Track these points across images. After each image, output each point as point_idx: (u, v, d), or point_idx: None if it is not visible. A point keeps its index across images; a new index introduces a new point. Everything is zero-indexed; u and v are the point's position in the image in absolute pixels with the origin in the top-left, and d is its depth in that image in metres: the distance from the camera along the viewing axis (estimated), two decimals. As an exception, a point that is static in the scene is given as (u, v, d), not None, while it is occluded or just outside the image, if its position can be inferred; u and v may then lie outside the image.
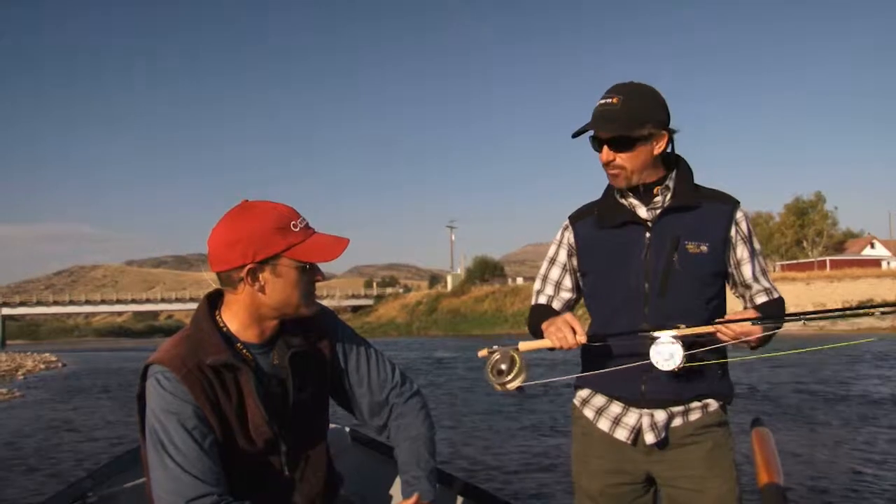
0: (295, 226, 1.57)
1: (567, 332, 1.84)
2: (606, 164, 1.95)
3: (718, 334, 1.83)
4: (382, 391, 1.78)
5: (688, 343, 1.80)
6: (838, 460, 7.32)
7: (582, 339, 1.84)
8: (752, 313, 1.84)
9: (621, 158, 1.92)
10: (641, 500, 2.04)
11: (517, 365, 1.82)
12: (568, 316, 1.90)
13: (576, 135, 1.95)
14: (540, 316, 2.04)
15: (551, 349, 1.89)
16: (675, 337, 1.80)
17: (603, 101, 1.91)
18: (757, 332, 1.80)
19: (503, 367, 1.83)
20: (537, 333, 2.00)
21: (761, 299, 2.01)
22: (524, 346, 1.89)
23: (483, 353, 1.90)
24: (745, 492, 1.96)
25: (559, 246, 2.15)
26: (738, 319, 1.82)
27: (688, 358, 1.79)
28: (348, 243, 1.61)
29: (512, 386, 1.82)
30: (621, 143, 1.91)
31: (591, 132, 1.94)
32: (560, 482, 6.62)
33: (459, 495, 2.33)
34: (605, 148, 1.93)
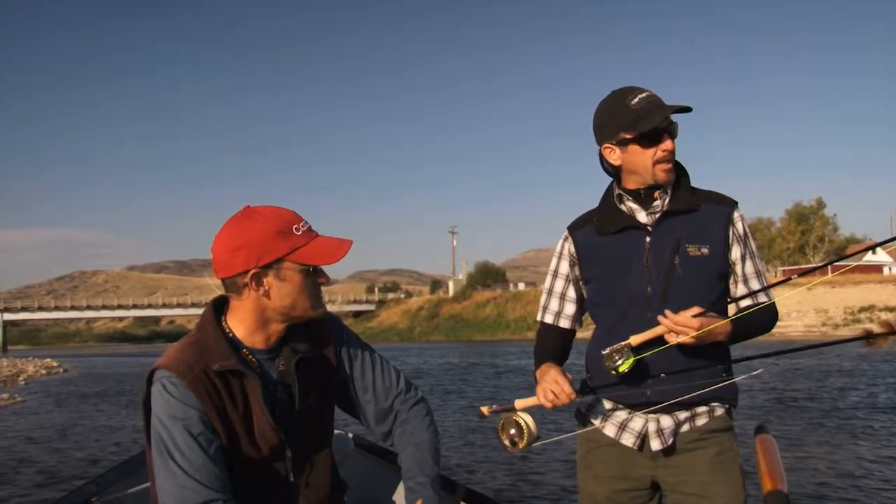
0: (297, 229, 1.56)
1: (557, 393, 1.89)
2: (669, 155, 1.93)
3: (661, 323, 1.84)
4: (387, 398, 1.78)
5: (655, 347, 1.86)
6: (843, 468, 7.29)
7: (572, 395, 1.89)
8: (697, 310, 1.82)
9: (674, 148, 1.94)
10: (646, 506, 2.03)
11: (524, 429, 1.89)
12: (554, 373, 1.94)
13: (646, 129, 1.89)
14: (542, 347, 2.14)
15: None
16: (625, 345, 1.87)
17: (644, 95, 1.90)
18: (693, 325, 1.79)
19: (513, 431, 1.91)
20: (539, 363, 2.07)
21: (744, 303, 2.00)
22: (520, 404, 1.95)
23: (484, 411, 1.99)
24: (750, 497, 1.95)
25: (560, 257, 2.15)
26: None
27: (638, 355, 1.86)
28: (351, 245, 1.61)
29: (523, 447, 1.90)
30: (675, 131, 1.93)
31: (650, 122, 1.88)
32: (566, 488, 6.60)
33: (463, 502, 2.33)
34: (668, 137, 1.91)
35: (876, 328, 1.71)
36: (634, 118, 1.90)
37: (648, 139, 1.91)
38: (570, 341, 2.17)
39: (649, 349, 1.87)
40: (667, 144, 1.91)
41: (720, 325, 1.83)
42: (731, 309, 2.02)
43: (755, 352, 2.07)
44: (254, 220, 1.55)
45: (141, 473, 2.23)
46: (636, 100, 1.90)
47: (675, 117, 1.93)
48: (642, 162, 1.94)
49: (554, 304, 2.16)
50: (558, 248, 2.16)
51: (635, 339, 1.87)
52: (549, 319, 2.16)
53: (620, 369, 1.85)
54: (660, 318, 1.84)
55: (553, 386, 1.90)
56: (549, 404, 1.90)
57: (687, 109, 1.90)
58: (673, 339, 1.83)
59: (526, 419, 1.89)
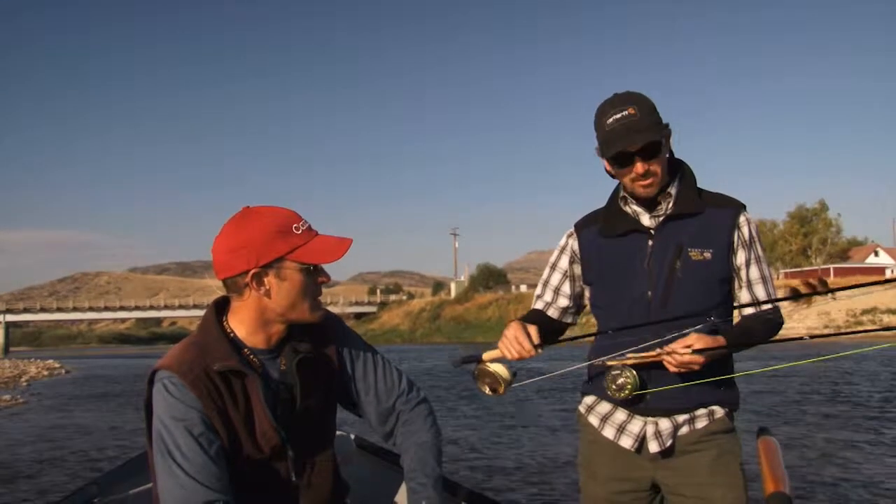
0: (297, 228, 1.56)
1: (516, 343, 1.87)
2: (642, 176, 1.89)
3: (664, 363, 1.82)
4: (389, 398, 1.77)
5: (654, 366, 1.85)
6: (847, 471, 7.28)
7: (532, 351, 1.86)
8: (695, 339, 1.79)
9: (654, 166, 1.89)
10: (647, 507, 2.02)
11: (497, 376, 1.90)
12: (515, 325, 1.92)
13: (609, 156, 1.88)
14: (524, 316, 2.11)
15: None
16: (625, 366, 1.86)
17: (619, 115, 1.85)
18: (698, 361, 1.78)
19: (488, 379, 1.92)
20: None
21: (747, 311, 1.97)
22: (488, 356, 1.94)
23: (454, 363, 2.01)
24: (753, 499, 1.94)
25: (562, 252, 2.15)
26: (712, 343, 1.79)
27: (642, 384, 1.88)
28: (351, 243, 1.61)
29: (503, 392, 1.91)
30: (652, 151, 1.87)
31: (612, 150, 1.87)
32: (565, 489, 6.60)
33: (465, 503, 2.32)
34: (639, 160, 1.86)
35: (803, 289, 1.80)
36: (603, 142, 1.90)
37: (619, 161, 1.90)
38: (556, 328, 2.15)
39: (648, 370, 1.87)
40: (637, 168, 1.88)
41: (721, 349, 1.81)
42: (735, 314, 2.00)
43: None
44: (253, 220, 1.55)
45: (142, 474, 2.22)
46: (611, 120, 1.87)
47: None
48: (622, 178, 1.95)
49: (547, 295, 2.17)
50: (562, 242, 2.16)
51: (633, 358, 1.85)
52: (539, 306, 2.18)
53: (621, 395, 1.88)
54: (658, 351, 1.82)
55: (512, 338, 1.88)
56: (508, 354, 1.89)
57: (655, 145, 1.86)
58: (674, 369, 1.82)
59: (496, 367, 1.90)
